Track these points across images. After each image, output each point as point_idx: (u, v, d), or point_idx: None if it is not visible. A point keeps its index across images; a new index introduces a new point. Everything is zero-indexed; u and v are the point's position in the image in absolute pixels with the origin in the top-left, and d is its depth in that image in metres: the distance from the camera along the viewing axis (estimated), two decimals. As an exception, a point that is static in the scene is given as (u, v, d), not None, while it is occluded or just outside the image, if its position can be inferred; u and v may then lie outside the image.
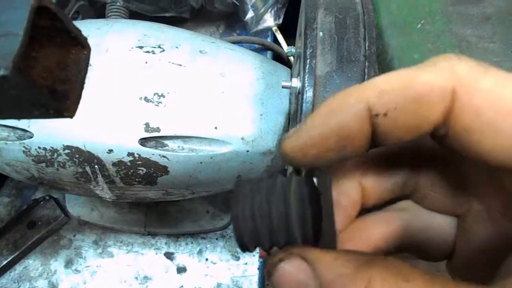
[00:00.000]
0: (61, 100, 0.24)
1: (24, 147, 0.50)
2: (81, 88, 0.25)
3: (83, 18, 0.75)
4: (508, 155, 0.18)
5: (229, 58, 0.54)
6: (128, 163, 0.50)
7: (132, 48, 0.51)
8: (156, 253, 0.77)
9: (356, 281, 0.18)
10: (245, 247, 0.22)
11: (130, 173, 0.51)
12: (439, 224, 0.25)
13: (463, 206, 0.24)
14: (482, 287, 0.18)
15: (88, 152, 0.49)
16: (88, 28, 0.53)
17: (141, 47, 0.51)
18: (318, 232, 0.21)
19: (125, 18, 0.77)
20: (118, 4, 0.77)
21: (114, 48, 0.51)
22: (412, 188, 0.25)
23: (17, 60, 0.19)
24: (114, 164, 0.50)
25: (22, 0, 0.20)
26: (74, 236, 0.79)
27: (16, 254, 0.75)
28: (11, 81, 0.20)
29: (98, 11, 0.79)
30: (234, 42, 0.80)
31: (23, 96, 0.21)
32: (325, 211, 0.21)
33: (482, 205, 0.23)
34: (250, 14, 0.84)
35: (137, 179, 0.52)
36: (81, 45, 0.25)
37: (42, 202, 0.78)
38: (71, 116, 0.24)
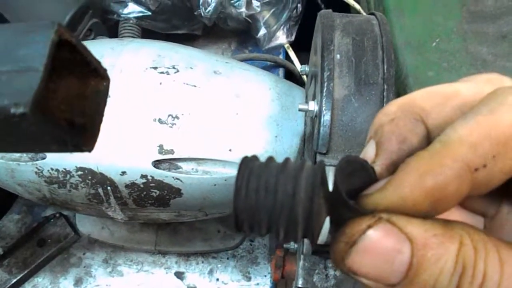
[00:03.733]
0: (80, 133, 0.23)
1: (36, 168, 0.50)
2: (100, 121, 0.24)
3: (96, 36, 0.75)
4: None
5: (244, 78, 0.53)
6: (141, 185, 0.49)
7: (147, 69, 0.51)
8: (167, 273, 0.76)
9: (451, 241, 0.18)
10: (240, 225, 0.20)
11: (143, 195, 0.50)
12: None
13: (492, 207, 0.23)
14: None
15: (101, 174, 0.48)
16: (102, 48, 0.53)
17: (155, 68, 0.51)
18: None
19: (137, 35, 0.77)
20: (131, 22, 0.77)
21: (129, 68, 0.50)
22: None
23: (37, 97, 0.19)
24: (127, 186, 0.49)
25: (43, 35, 0.20)
26: (84, 254, 0.78)
27: (25, 272, 0.74)
28: (31, 118, 0.19)
29: (111, 29, 0.79)
30: (246, 59, 0.80)
31: (42, 131, 0.21)
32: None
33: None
34: (262, 32, 0.83)
35: (150, 201, 0.51)
36: (101, 76, 0.24)
37: (52, 220, 0.77)
38: (89, 150, 0.23)
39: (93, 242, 0.78)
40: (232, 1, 0.80)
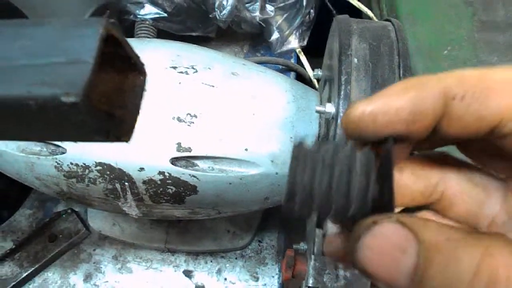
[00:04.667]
0: (119, 125, 0.24)
1: (56, 162, 0.51)
2: (137, 113, 0.25)
3: (112, 35, 0.76)
4: None
5: (261, 80, 0.54)
6: (158, 182, 0.50)
7: (166, 68, 0.52)
8: (175, 271, 0.77)
9: (472, 247, 0.16)
10: (292, 209, 0.21)
11: (159, 191, 0.51)
12: None
13: (487, 218, 0.24)
14: None
15: (120, 169, 0.49)
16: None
17: (174, 68, 0.52)
18: (378, 204, 0.20)
19: (153, 36, 0.79)
20: (147, 23, 0.78)
21: (149, 67, 0.51)
22: (440, 194, 0.25)
23: (87, 88, 0.20)
24: (144, 182, 0.50)
25: (92, 29, 0.21)
26: (94, 250, 0.79)
27: (36, 266, 0.75)
28: (81, 108, 0.20)
29: (127, 29, 0.81)
30: (259, 63, 0.81)
31: (88, 121, 0.22)
32: (386, 183, 0.20)
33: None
34: (275, 36, 0.85)
35: (165, 198, 0.52)
36: (139, 71, 0.25)
37: (64, 215, 0.78)
38: (127, 141, 0.24)
39: (103, 238, 0.79)
40: (246, 5, 0.81)
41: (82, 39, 0.21)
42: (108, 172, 0.50)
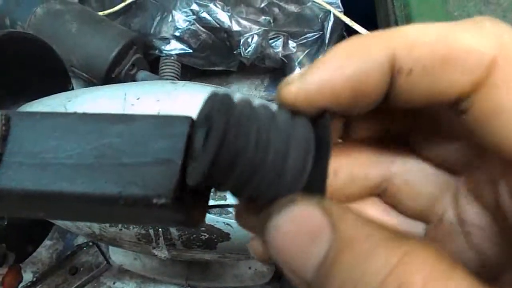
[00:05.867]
0: (190, 211, 0.24)
1: (91, 207, 0.51)
2: (208, 198, 0.26)
3: (138, 70, 0.78)
4: None
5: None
6: (192, 229, 0.50)
7: (202, 115, 0.52)
8: (195, 306, 0.77)
9: (390, 249, 0.14)
10: (211, 178, 0.18)
11: (192, 237, 0.51)
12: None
13: (437, 216, 0.21)
14: None
15: (155, 216, 0.50)
16: (157, 91, 0.55)
17: (209, 115, 0.53)
18: (312, 181, 0.18)
19: (178, 71, 0.80)
20: (172, 58, 0.79)
21: (186, 114, 0.52)
22: (383, 190, 0.22)
23: (176, 189, 0.20)
24: (178, 228, 0.51)
25: (178, 129, 0.22)
26: (114, 283, 0.79)
27: (56, 299, 0.75)
28: (169, 208, 0.21)
29: (152, 63, 0.82)
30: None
31: (169, 215, 0.22)
32: (321, 165, 0.18)
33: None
34: (296, 71, 0.86)
35: (197, 243, 0.52)
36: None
37: (85, 248, 0.78)
38: (199, 227, 0.25)
39: (123, 271, 0.79)
40: (270, 42, 0.82)
41: (169, 139, 0.22)
42: (142, 218, 0.50)
